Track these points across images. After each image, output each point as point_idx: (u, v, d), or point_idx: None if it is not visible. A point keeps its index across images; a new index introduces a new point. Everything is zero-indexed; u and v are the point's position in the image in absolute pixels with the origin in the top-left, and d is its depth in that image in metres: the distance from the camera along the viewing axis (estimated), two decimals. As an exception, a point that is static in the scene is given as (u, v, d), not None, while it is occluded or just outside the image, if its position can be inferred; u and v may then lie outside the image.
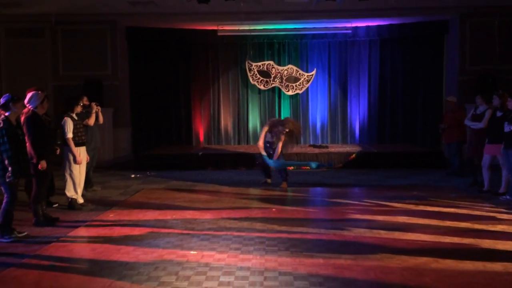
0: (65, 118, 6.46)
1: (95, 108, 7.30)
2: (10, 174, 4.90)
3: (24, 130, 5.47)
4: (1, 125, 4.92)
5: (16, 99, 5.11)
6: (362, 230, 5.36)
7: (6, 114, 5.04)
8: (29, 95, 5.57)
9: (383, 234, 5.21)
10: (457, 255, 4.45)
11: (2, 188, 5.09)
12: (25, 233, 5.25)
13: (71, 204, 6.55)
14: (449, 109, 9.02)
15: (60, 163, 6.65)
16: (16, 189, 5.15)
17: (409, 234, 5.18)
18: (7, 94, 5.15)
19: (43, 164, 5.49)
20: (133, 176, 9.42)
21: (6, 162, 4.90)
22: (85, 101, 7.29)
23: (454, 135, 8.64)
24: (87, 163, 7.00)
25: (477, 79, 10.58)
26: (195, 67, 12.28)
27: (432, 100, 11.75)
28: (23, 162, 5.07)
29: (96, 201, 7.08)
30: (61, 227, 5.62)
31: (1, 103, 5.08)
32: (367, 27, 11.67)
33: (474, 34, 10.78)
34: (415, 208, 6.42)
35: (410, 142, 11.82)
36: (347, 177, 9.11)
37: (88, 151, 6.96)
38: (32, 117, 5.51)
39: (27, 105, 5.54)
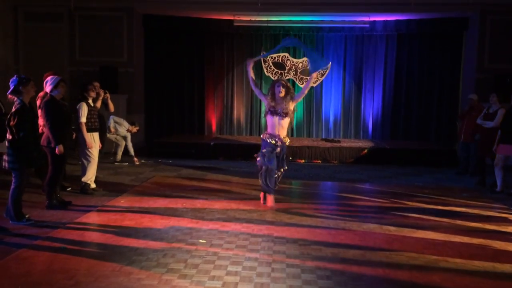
0: (81, 103, 6.53)
1: (102, 94, 7.28)
2: (25, 161, 4.90)
3: (42, 114, 5.52)
4: (18, 111, 4.88)
5: (25, 80, 4.99)
6: (371, 225, 5.35)
7: (20, 97, 4.97)
8: (46, 79, 5.63)
9: (393, 230, 5.19)
10: (467, 255, 4.42)
11: (12, 173, 5.08)
12: (27, 216, 5.22)
13: (84, 188, 6.63)
14: (469, 107, 8.82)
15: (73, 147, 6.70)
16: (25, 176, 5.11)
17: (419, 232, 5.15)
18: (15, 77, 5.02)
19: (60, 149, 5.53)
20: (137, 163, 9.40)
21: (22, 149, 4.87)
22: (96, 86, 7.26)
23: (477, 134, 8.44)
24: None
25: (494, 78, 10.42)
26: (210, 56, 12.27)
27: (448, 98, 11.61)
28: (35, 147, 5.08)
29: (108, 186, 7.15)
30: (73, 211, 5.69)
31: (11, 88, 4.97)
32: (385, 21, 11.53)
33: (494, 32, 10.60)
34: (426, 206, 6.37)
35: (424, 139, 11.71)
36: (358, 172, 9.07)
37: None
38: (50, 101, 5.56)
39: (45, 89, 5.59)
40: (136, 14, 11.23)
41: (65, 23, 11.11)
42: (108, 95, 7.37)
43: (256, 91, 6.37)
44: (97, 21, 11.05)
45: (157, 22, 11.73)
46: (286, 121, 5.88)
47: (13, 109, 4.96)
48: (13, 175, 5.08)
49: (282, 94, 5.81)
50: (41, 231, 4.87)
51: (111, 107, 7.56)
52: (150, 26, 11.79)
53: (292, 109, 5.93)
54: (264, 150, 5.91)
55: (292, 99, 5.92)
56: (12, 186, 5.07)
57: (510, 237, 5.06)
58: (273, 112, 5.83)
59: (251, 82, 6.27)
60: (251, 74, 6.18)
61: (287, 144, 6.02)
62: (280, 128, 5.89)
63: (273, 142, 5.87)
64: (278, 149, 5.89)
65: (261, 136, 6.09)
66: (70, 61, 11.16)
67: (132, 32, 11.17)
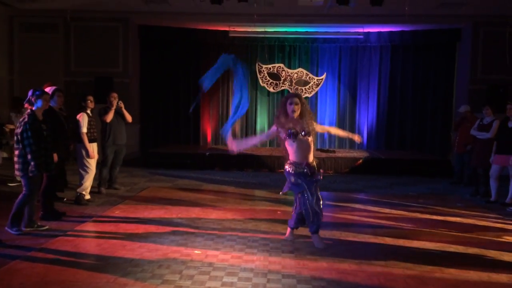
0: (81, 113, 6.54)
1: (115, 105, 7.32)
2: (32, 169, 4.91)
3: None
4: (26, 119, 4.95)
5: (39, 93, 5.09)
6: (367, 236, 5.36)
7: (33, 108, 5.07)
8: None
9: (388, 240, 5.19)
10: (462, 265, 4.42)
11: (22, 182, 5.10)
12: (47, 227, 5.33)
13: (78, 199, 6.59)
14: (461, 119, 8.86)
15: (69, 158, 6.70)
16: (36, 184, 5.12)
17: (414, 241, 5.16)
18: (32, 90, 5.15)
19: (54, 158, 5.54)
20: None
21: (29, 156, 4.90)
22: (113, 97, 7.32)
23: (468, 145, 8.48)
24: (106, 160, 7.33)
25: (487, 89, 10.52)
26: (205, 67, 12.14)
27: (442, 108, 11.72)
28: (45, 157, 5.08)
29: (103, 197, 7.13)
30: (67, 222, 5.67)
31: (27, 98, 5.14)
32: (379, 33, 11.65)
33: (487, 43, 10.75)
34: (420, 216, 6.39)
35: (418, 149, 11.78)
36: (353, 182, 9.09)
37: (107, 148, 7.25)
38: (47, 111, 5.59)
39: None
40: (131, 25, 11.28)
41: (61, 33, 11.14)
42: (122, 105, 7.40)
43: (267, 134, 5.34)
44: (92, 32, 11.10)
45: (152, 33, 11.78)
46: (311, 142, 4.78)
47: (21, 118, 5.05)
48: (23, 183, 5.10)
49: (297, 113, 4.66)
50: (35, 242, 4.84)
51: (128, 117, 7.58)
52: (145, 37, 11.84)
53: (314, 127, 4.81)
54: (293, 180, 4.76)
55: (311, 116, 4.83)
56: (22, 193, 5.10)
57: (505, 246, 5.08)
58: (294, 134, 4.63)
59: (257, 142, 5.27)
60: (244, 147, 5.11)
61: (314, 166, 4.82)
62: (307, 152, 4.75)
63: (302, 171, 4.72)
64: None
65: (285, 168, 4.82)
66: (65, 71, 11.17)
67: (128, 43, 11.21)
